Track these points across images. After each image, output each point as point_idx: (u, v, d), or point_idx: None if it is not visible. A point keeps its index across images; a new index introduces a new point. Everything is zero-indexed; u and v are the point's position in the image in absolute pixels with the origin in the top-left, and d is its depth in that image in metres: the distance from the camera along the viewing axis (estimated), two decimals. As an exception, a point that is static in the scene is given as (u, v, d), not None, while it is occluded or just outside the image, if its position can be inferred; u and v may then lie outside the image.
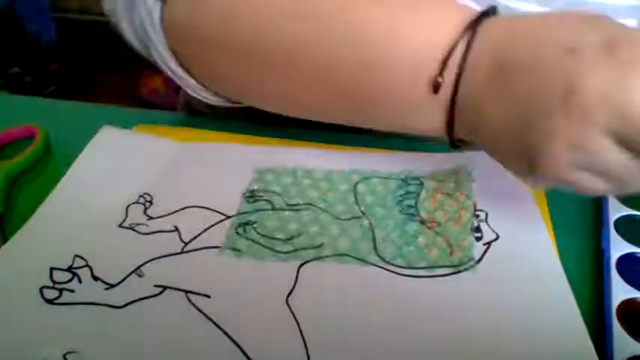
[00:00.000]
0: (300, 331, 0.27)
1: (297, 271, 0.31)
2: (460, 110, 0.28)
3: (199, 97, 0.38)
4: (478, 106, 0.27)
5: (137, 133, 0.41)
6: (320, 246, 0.32)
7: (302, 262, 0.31)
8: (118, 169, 0.37)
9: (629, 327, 0.27)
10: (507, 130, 0.26)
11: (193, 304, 0.29)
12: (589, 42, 0.24)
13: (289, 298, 0.29)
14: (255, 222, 0.34)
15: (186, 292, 0.29)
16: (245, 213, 0.34)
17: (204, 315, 0.28)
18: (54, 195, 0.35)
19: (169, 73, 0.36)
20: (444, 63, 0.27)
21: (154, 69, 0.38)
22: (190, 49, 0.35)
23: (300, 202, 0.35)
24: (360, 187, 0.36)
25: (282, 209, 0.35)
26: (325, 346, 0.27)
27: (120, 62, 1.67)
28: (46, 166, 0.39)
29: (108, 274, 0.30)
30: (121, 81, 1.78)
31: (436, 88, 0.28)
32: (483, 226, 0.33)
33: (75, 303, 0.29)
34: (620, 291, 0.29)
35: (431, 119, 0.30)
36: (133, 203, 0.35)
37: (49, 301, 0.29)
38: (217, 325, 0.28)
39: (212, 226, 0.33)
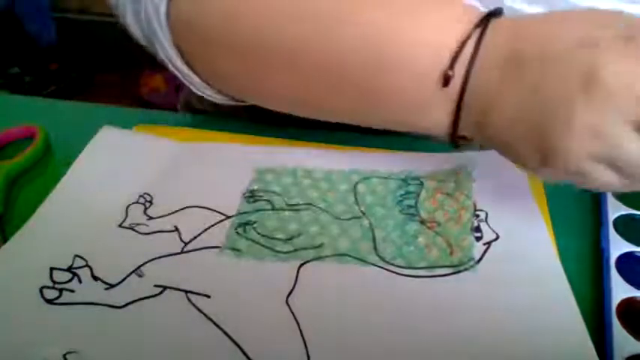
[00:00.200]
0: (300, 331, 0.27)
1: (297, 271, 0.31)
2: (468, 106, 0.29)
3: (203, 95, 0.38)
4: (488, 101, 0.28)
5: (137, 133, 0.41)
6: (320, 246, 0.32)
7: (302, 262, 0.31)
8: (118, 169, 0.37)
9: (629, 326, 0.27)
10: (521, 123, 0.27)
11: (193, 304, 0.29)
12: (606, 32, 0.25)
13: (289, 298, 0.29)
14: (255, 222, 0.34)
15: (186, 292, 0.29)
16: (245, 213, 0.34)
17: (204, 315, 0.28)
18: (54, 195, 0.35)
19: (173, 70, 0.36)
20: (455, 57, 0.28)
21: (154, 68, 0.38)
22: (194, 47, 0.35)
23: (300, 202, 0.35)
24: (360, 187, 0.36)
25: (282, 209, 0.35)
26: (325, 346, 0.27)
27: (120, 62, 1.67)
28: (46, 166, 0.39)
29: (108, 274, 0.30)
30: (121, 81, 1.78)
31: (446, 81, 0.28)
32: (483, 226, 0.33)
33: (75, 303, 0.29)
34: (620, 290, 0.29)
35: (437, 117, 0.30)
36: (133, 203, 0.35)
37: (49, 301, 0.29)
38: (217, 325, 0.28)
39: (212, 226, 0.33)
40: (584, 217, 0.35)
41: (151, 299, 0.29)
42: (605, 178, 0.26)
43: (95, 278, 0.30)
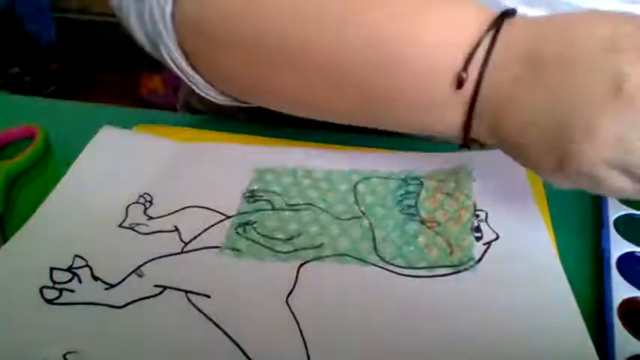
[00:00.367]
0: (300, 331, 0.27)
1: (297, 271, 0.31)
2: (480, 108, 0.28)
3: (206, 97, 0.38)
4: (502, 102, 0.27)
5: (137, 133, 0.41)
6: (320, 246, 0.32)
7: (302, 262, 0.31)
8: (118, 169, 0.37)
9: (631, 326, 0.27)
10: (536, 126, 0.26)
11: (193, 304, 0.29)
12: (628, 35, 0.24)
13: (289, 298, 0.29)
14: (255, 222, 0.34)
15: (186, 292, 0.29)
16: (245, 213, 0.34)
17: (204, 315, 0.28)
18: (54, 195, 0.35)
19: (176, 70, 0.36)
20: (469, 58, 0.27)
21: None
22: (199, 47, 0.35)
23: (300, 202, 0.35)
24: (360, 187, 0.36)
25: (282, 209, 0.35)
26: (325, 346, 0.27)
27: (120, 62, 1.67)
28: (46, 166, 0.39)
29: (108, 274, 0.30)
30: (121, 81, 1.78)
31: (460, 83, 0.28)
32: (483, 226, 0.33)
33: (75, 303, 0.29)
34: (621, 290, 0.29)
35: (448, 119, 0.30)
36: (133, 203, 0.35)
37: (49, 301, 0.29)
38: (217, 325, 0.28)
39: (212, 226, 0.33)
40: (585, 218, 0.35)
41: (151, 299, 0.29)
42: (618, 183, 0.26)
43: (95, 278, 0.30)
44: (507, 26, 0.27)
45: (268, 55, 0.32)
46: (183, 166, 0.38)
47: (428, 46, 0.29)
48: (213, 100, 0.38)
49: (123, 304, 0.29)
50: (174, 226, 0.33)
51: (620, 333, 0.27)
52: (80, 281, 0.30)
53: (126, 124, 0.41)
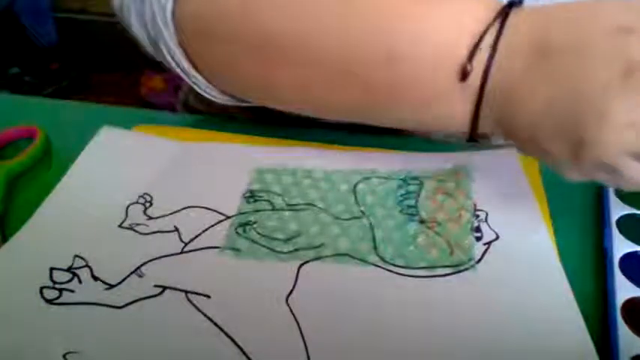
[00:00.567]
0: (300, 331, 0.27)
1: (297, 272, 0.31)
2: (489, 99, 0.28)
3: (207, 96, 0.38)
4: (512, 92, 0.27)
5: (137, 133, 0.41)
6: (320, 246, 0.32)
7: (302, 262, 0.31)
8: (118, 169, 0.37)
9: (634, 325, 0.27)
10: (550, 115, 0.26)
11: (193, 304, 0.29)
12: (636, 21, 0.24)
13: (289, 298, 0.29)
14: (255, 222, 0.34)
15: (186, 292, 0.29)
16: (245, 213, 0.34)
17: (204, 315, 0.28)
18: (54, 195, 0.35)
19: (178, 70, 0.36)
20: (475, 49, 0.27)
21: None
22: (200, 45, 0.35)
23: (300, 202, 0.35)
24: (360, 187, 0.36)
25: (282, 209, 0.35)
26: (325, 346, 0.27)
27: (120, 62, 1.67)
28: (46, 166, 0.39)
29: (108, 274, 0.30)
30: (121, 81, 1.78)
31: (464, 75, 0.27)
32: (483, 226, 0.33)
33: (75, 303, 0.29)
34: (624, 290, 0.29)
35: (455, 111, 0.29)
36: (133, 203, 0.35)
37: (49, 301, 0.29)
38: (217, 325, 0.28)
39: (212, 226, 0.33)
40: (587, 217, 0.35)
41: (150, 299, 0.29)
42: (635, 172, 0.25)
43: (95, 278, 0.30)
44: (514, 15, 0.27)
45: (270, 52, 0.32)
46: (183, 166, 0.38)
47: (434, 39, 0.28)
48: (213, 99, 0.38)
49: (123, 304, 0.29)
50: (174, 226, 0.33)
51: (624, 333, 0.27)
52: (80, 281, 0.30)
53: (126, 124, 0.41)
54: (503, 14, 0.27)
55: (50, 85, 1.73)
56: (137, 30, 0.36)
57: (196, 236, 0.33)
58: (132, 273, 0.30)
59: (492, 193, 0.35)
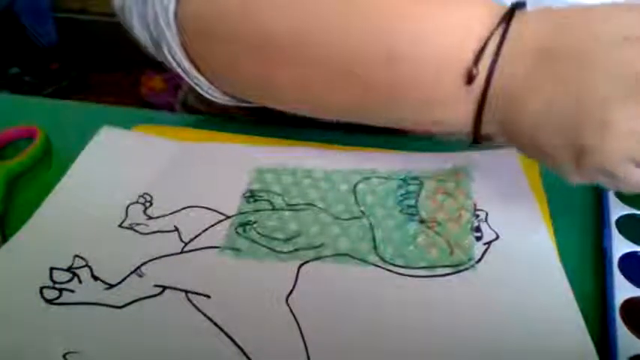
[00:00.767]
0: (300, 331, 0.27)
1: (297, 271, 0.31)
2: (491, 103, 0.28)
3: (209, 97, 0.38)
4: (514, 95, 0.27)
5: (137, 133, 0.41)
6: (320, 246, 0.32)
7: (302, 262, 0.31)
8: (118, 169, 0.37)
9: (633, 326, 0.27)
10: (552, 120, 0.26)
11: (193, 304, 0.29)
12: None
13: (289, 298, 0.29)
14: (255, 222, 0.34)
15: (186, 292, 0.29)
16: (245, 213, 0.34)
17: (204, 315, 0.28)
18: (54, 195, 0.35)
19: (179, 70, 0.36)
20: (480, 52, 0.27)
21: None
22: (202, 46, 0.35)
23: (300, 202, 0.35)
24: (360, 187, 0.36)
25: (282, 209, 0.35)
26: (325, 346, 0.27)
27: (120, 62, 1.67)
28: (46, 166, 0.39)
29: (108, 274, 0.30)
30: (121, 81, 1.78)
31: (470, 79, 0.27)
32: (483, 226, 0.33)
33: (75, 303, 0.29)
34: (623, 290, 0.29)
35: (458, 113, 0.29)
36: (133, 203, 0.35)
37: (49, 301, 0.29)
38: (217, 325, 0.28)
39: (212, 226, 0.33)
40: (587, 218, 0.35)
41: (150, 299, 0.29)
42: (637, 177, 0.25)
43: (95, 278, 0.30)
44: (518, 20, 0.27)
45: (270, 51, 0.32)
46: (183, 166, 0.38)
47: (437, 41, 0.28)
48: (215, 100, 0.38)
49: (123, 304, 0.29)
50: (174, 226, 0.33)
51: (623, 333, 0.27)
52: (80, 281, 0.30)
53: (126, 124, 0.41)
54: (507, 19, 0.27)
55: (50, 85, 1.73)
56: (139, 31, 0.36)
57: (196, 236, 0.33)
58: (132, 273, 0.30)
59: (492, 193, 0.35)
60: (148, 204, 0.35)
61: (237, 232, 0.33)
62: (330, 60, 0.31)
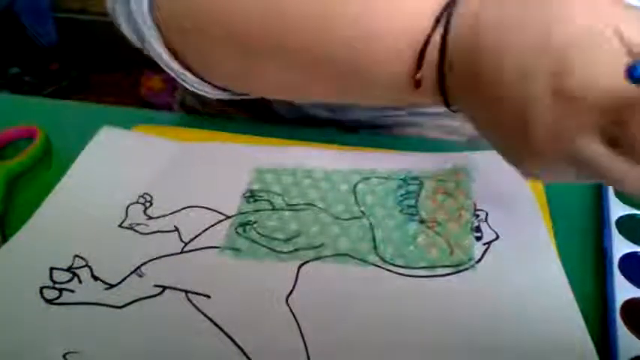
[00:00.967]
0: (300, 331, 0.27)
1: (297, 271, 0.31)
2: (451, 72, 0.27)
3: (197, 92, 0.38)
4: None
5: (137, 134, 0.41)
6: (320, 246, 0.32)
7: (302, 262, 0.31)
8: (118, 169, 0.37)
9: (634, 326, 0.27)
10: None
11: (193, 304, 0.29)
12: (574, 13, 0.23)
13: (289, 298, 0.29)
14: (255, 222, 0.34)
15: (186, 292, 0.29)
16: (245, 213, 0.34)
17: (204, 315, 0.28)
18: (54, 195, 0.35)
19: (165, 68, 0.36)
20: (420, 57, 0.27)
21: (153, 69, 0.38)
22: (179, 40, 0.35)
23: (301, 202, 0.35)
24: (360, 187, 0.36)
25: (282, 209, 0.35)
26: (325, 346, 0.27)
27: (120, 62, 1.67)
28: (46, 166, 0.39)
29: (108, 274, 0.30)
30: (121, 81, 1.78)
31: (418, 82, 0.27)
32: (483, 226, 0.33)
33: (75, 303, 0.29)
34: (624, 290, 0.29)
35: (422, 89, 0.28)
36: (133, 203, 0.35)
37: (49, 301, 0.29)
38: (217, 325, 0.28)
39: (212, 226, 0.33)
40: (587, 218, 0.35)
41: (150, 299, 0.29)
42: (609, 162, 0.23)
43: (95, 278, 0.30)
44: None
45: (251, 38, 0.32)
46: (183, 166, 0.38)
47: (391, 17, 0.28)
48: (206, 94, 0.38)
49: (123, 304, 0.29)
50: (175, 226, 0.33)
51: (624, 334, 0.27)
52: (80, 281, 0.30)
53: (126, 124, 0.41)
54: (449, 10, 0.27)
55: (50, 85, 1.73)
56: (127, 31, 0.36)
57: (196, 236, 0.33)
58: (132, 273, 0.30)
59: (492, 193, 0.35)
60: (148, 204, 0.35)
61: (237, 232, 0.33)
62: (297, 46, 0.31)
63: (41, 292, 0.29)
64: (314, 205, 0.35)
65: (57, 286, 0.29)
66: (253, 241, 0.32)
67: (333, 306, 0.29)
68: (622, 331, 0.27)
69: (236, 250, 0.32)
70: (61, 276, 0.30)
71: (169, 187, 0.36)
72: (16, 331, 0.27)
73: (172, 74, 0.37)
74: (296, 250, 0.32)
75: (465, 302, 0.29)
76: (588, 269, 0.31)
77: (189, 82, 0.37)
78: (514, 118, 0.25)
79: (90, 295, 0.29)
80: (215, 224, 0.33)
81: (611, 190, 0.35)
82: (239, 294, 0.29)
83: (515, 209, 0.34)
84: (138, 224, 0.33)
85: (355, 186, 0.36)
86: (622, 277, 0.30)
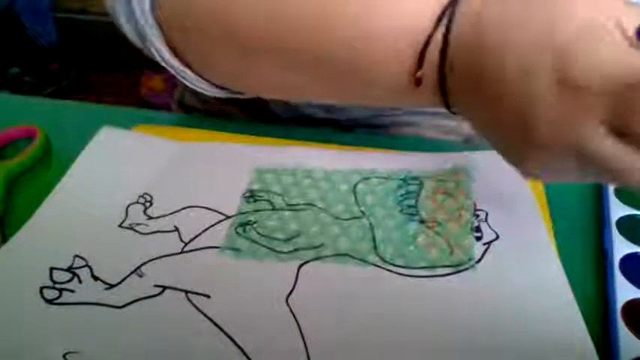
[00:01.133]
0: (300, 331, 0.27)
1: (297, 271, 0.31)
2: (452, 72, 0.27)
3: (196, 89, 0.38)
4: (472, 62, 0.26)
5: (137, 133, 0.41)
6: (320, 246, 0.32)
7: (302, 262, 0.31)
8: (118, 169, 0.37)
9: (635, 327, 0.27)
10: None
11: (193, 304, 0.29)
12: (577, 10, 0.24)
13: (289, 298, 0.29)
14: (255, 222, 0.34)
15: (186, 292, 0.29)
16: (245, 213, 0.34)
17: (204, 315, 0.28)
18: (54, 195, 0.35)
19: (164, 64, 0.36)
20: (421, 57, 0.27)
21: (154, 69, 0.38)
22: (182, 36, 0.35)
23: (300, 202, 0.35)
24: (360, 187, 0.36)
25: (282, 209, 0.35)
26: (325, 346, 0.27)
27: (120, 62, 1.67)
28: (46, 166, 0.39)
29: (108, 274, 0.30)
30: (121, 81, 1.78)
31: (418, 80, 0.27)
32: (483, 226, 0.33)
33: (75, 303, 0.29)
34: (624, 291, 0.29)
35: (422, 89, 0.28)
36: (133, 203, 0.35)
37: (49, 301, 0.29)
38: (217, 325, 0.28)
39: (212, 226, 0.33)
40: (587, 218, 0.35)
41: (150, 299, 0.29)
42: (612, 149, 0.23)
43: (95, 278, 0.30)
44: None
45: (243, 39, 0.32)
46: (183, 166, 0.38)
47: (389, 19, 0.28)
48: (205, 92, 0.38)
49: (123, 304, 0.29)
50: (175, 226, 0.33)
51: (625, 334, 0.27)
52: (80, 281, 0.30)
53: (126, 124, 0.41)
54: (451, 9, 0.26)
55: (50, 85, 1.73)
56: (127, 30, 0.36)
57: (196, 236, 0.33)
58: (132, 273, 0.30)
59: (492, 193, 0.35)
60: (148, 204, 0.35)
61: (237, 232, 0.33)
62: (305, 44, 0.31)
63: (41, 292, 0.29)
64: (314, 205, 0.35)
65: (57, 286, 0.29)
66: (253, 241, 0.32)
67: (333, 306, 0.29)
68: (623, 332, 0.27)
69: (236, 250, 0.32)
70: (61, 276, 0.30)
71: (169, 187, 0.36)
72: (16, 331, 0.27)
73: (172, 71, 0.37)
74: (296, 250, 0.32)
75: (465, 302, 0.29)
76: (589, 270, 0.31)
77: (189, 79, 0.37)
78: (516, 116, 0.25)
79: (90, 295, 0.29)
80: (215, 224, 0.33)
81: (611, 191, 0.35)
82: (239, 294, 0.29)
83: (515, 209, 0.34)
84: (138, 224, 0.33)
85: (355, 186, 0.36)
86: (623, 277, 0.30)
